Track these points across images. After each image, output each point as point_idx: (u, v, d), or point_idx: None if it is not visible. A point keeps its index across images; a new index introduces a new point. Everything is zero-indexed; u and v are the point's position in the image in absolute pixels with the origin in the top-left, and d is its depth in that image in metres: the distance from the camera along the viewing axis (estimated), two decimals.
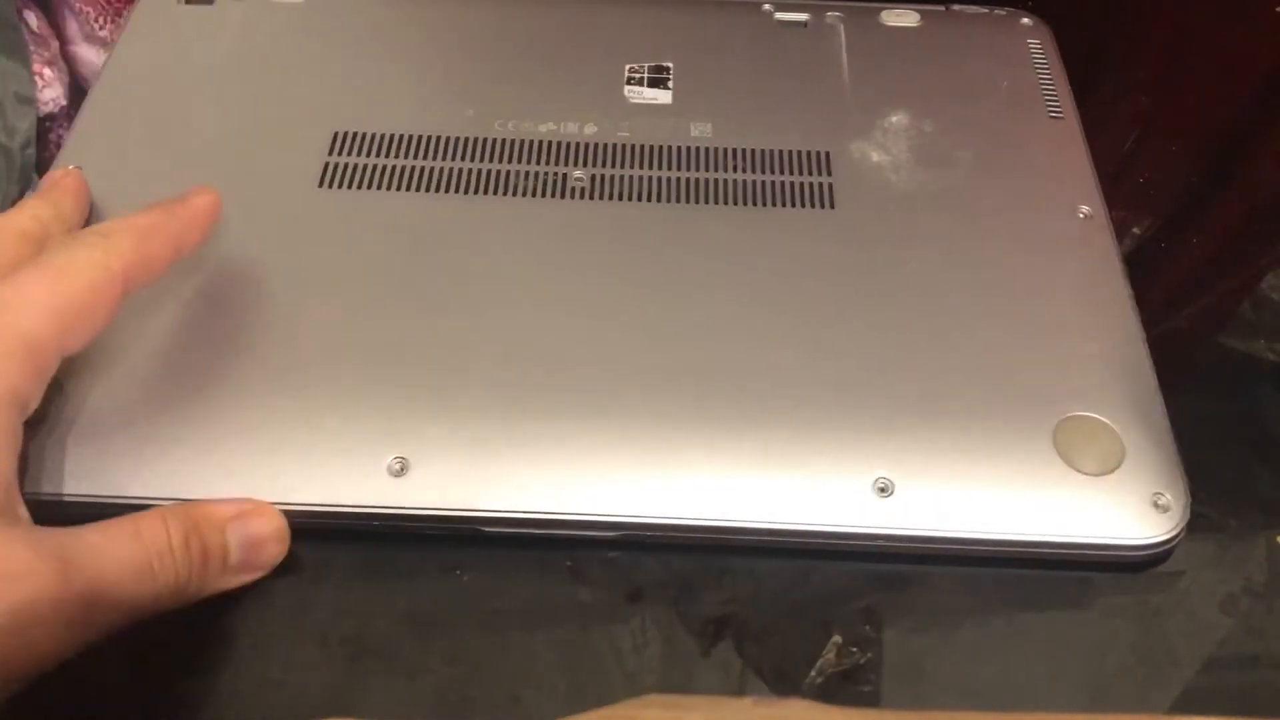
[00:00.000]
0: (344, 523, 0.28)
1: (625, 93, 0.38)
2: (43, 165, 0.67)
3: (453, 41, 0.40)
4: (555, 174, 0.35)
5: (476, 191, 0.35)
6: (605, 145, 0.36)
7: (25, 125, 0.61)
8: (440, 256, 0.33)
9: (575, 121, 0.37)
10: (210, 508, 0.27)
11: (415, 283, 0.32)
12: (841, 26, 0.41)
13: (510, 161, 0.36)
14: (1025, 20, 0.42)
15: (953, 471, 0.29)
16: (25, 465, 0.27)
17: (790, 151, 0.36)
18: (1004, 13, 0.42)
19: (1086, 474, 0.29)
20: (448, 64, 0.39)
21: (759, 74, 0.39)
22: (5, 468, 0.24)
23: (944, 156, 0.36)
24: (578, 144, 0.36)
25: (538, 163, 0.36)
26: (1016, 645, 0.28)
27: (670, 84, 0.39)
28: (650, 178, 0.35)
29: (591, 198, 0.35)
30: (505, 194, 0.35)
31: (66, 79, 0.66)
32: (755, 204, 0.35)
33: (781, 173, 0.36)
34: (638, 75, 0.39)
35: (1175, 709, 0.27)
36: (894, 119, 0.38)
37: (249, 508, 0.27)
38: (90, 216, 0.33)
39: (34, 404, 0.26)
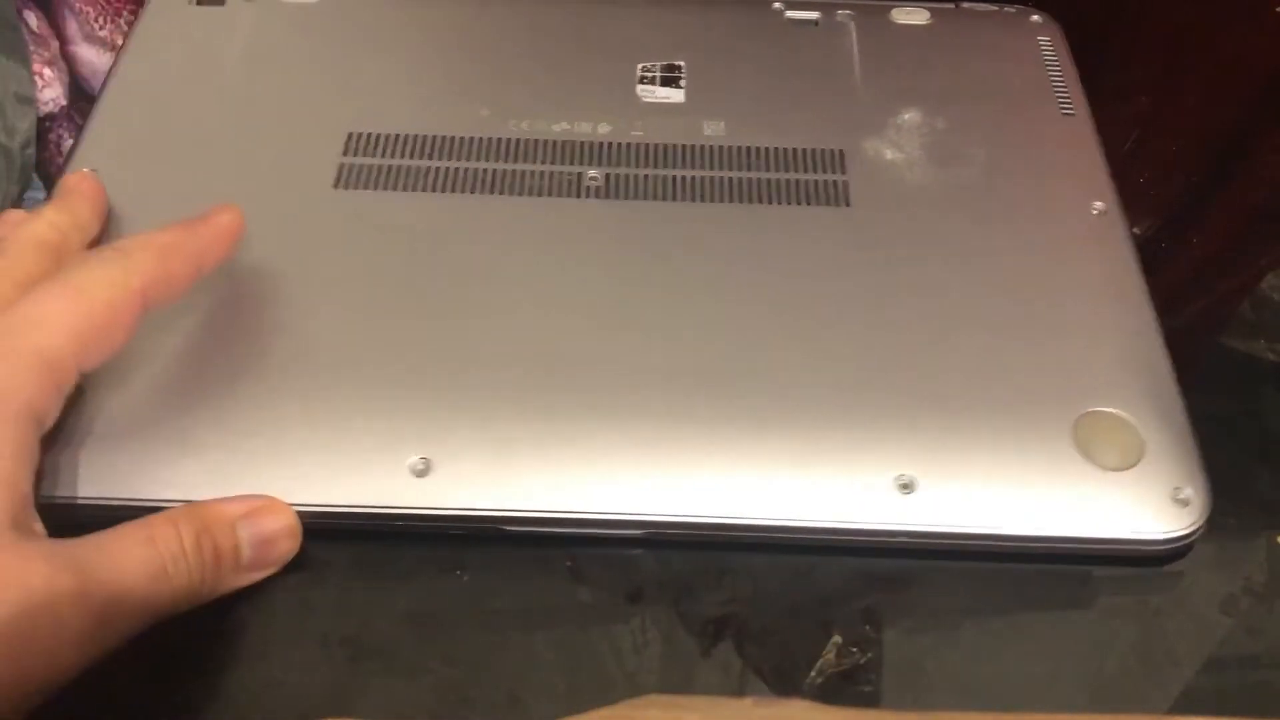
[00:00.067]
0: (367, 523, 0.28)
1: (638, 92, 0.38)
2: (42, 165, 0.67)
3: (465, 41, 0.40)
4: (570, 174, 0.35)
5: (493, 191, 0.35)
6: (619, 145, 0.36)
7: (25, 125, 0.61)
8: (458, 256, 0.33)
9: (589, 121, 0.37)
10: (220, 507, 0.27)
11: (433, 283, 0.32)
12: (852, 24, 0.41)
13: (525, 161, 0.36)
14: (1035, 17, 0.42)
15: (974, 468, 0.29)
16: (43, 471, 0.27)
17: (804, 150, 0.36)
18: (1013, 10, 0.42)
19: (1107, 469, 0.29)
20: (460, 64, 0.39)
21: (771, 72, 0.39)
22: (22, 483, 0.25)
23: (958, 154, 0.37)
24: (592, 143, 0.36)
25: (552, 162, 0.36)
26: (1016, 645, 0.28)
27: (683, 83, 0.39)
28: (665, 177, 0.35)
29: (607, 197, 0.35)
30: (521, 194, 0.35)
31: (66, 79, 0.66)
32: (771, 202, 0.35)
33: (796, 171, 0.36)
34: (650, 74, 0.39)
35: (1175, 709, 0.27)
36: (907, 116, 0.38)
37: (259, 505, 0.27)
38: (107, 220, 0.33)
39: (51, 420, 0.26)
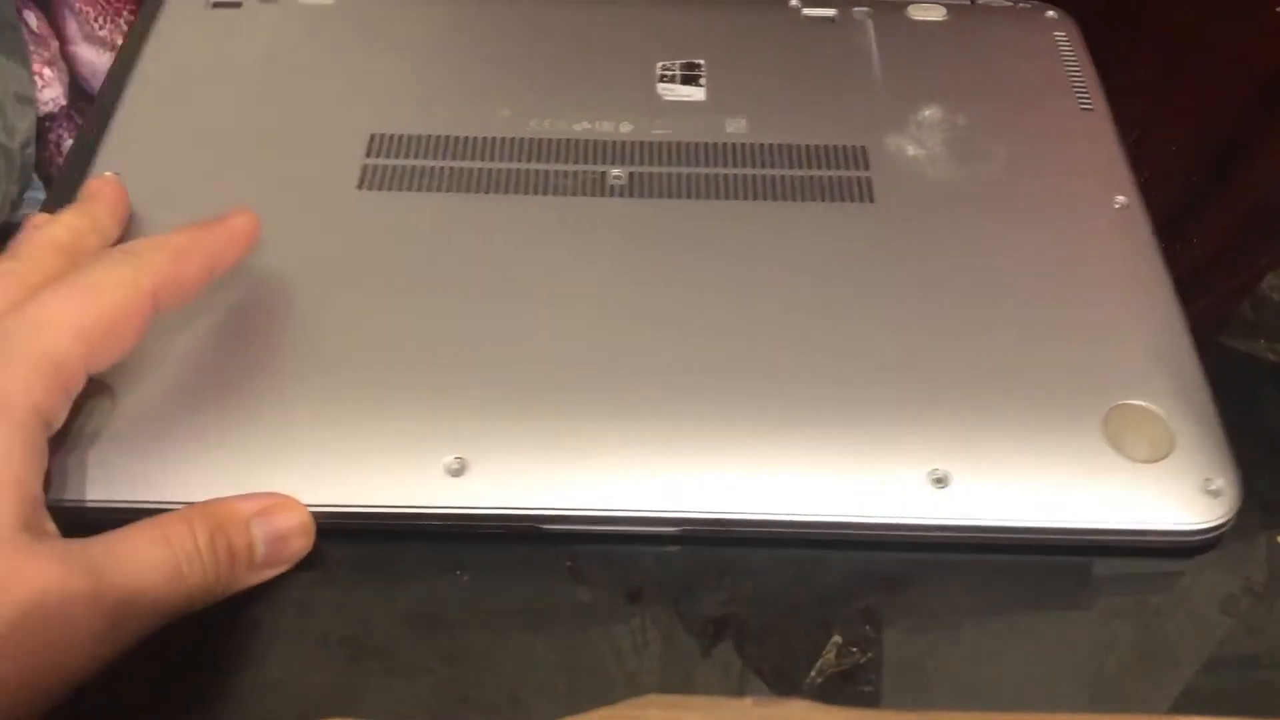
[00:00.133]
0: (403, 524, 0.28)
1: (658, 90, 0.38)
2: (42, 165, 0.67)
3: (481, 41, 0.40)
4: (593, 173, 0.35)
5: (518, 191, 0.35)
6: (641, 143, 0.36)
7: (25, 125, 0.61)
8: (485, 256, 0.33)
9: (610, 120, 0.37)
10: (234, 505, 0.27)
11: (461, 283, 0.32)
12: (869, 21, 0.41)
13: (549, 161, 0.36)
14: (1050, 13, 0.42)
15: (1007, 462, 0.29)
16: (84, 470, 0.28)
17: (827, 146, 0.37)
18: (1028, 5, 0.42)
19: (1138, 462, 0.29)
20: (478, 64, 0.39)
21: (790, 70, 0.39)
22: (32, 485, 0.24)
23: (980, 149, 0.37)
24: (614, 142, 0.36)
25: (576, 162, 0.36)
26: (1016, 645, 0.28)
27: (702, 81, 0.39)
28: (688, 175, 0.36)
29: (631, 196, 0.35)
30: (546, 193, 0.35)
31: (66, 79, 0.66)
32: (796, 199, 0.35)
33: (819, 168, 0.36)
34: (670, 73, 0.39)
35: (1175, 709, 0.27)
36: (927, 113, 0.38)
37: (272, 502, 0.27)
38: (129, 225, 0.33)
39: (59, 421, 0.26)
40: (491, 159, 0.36)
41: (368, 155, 0.36)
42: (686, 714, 0.21)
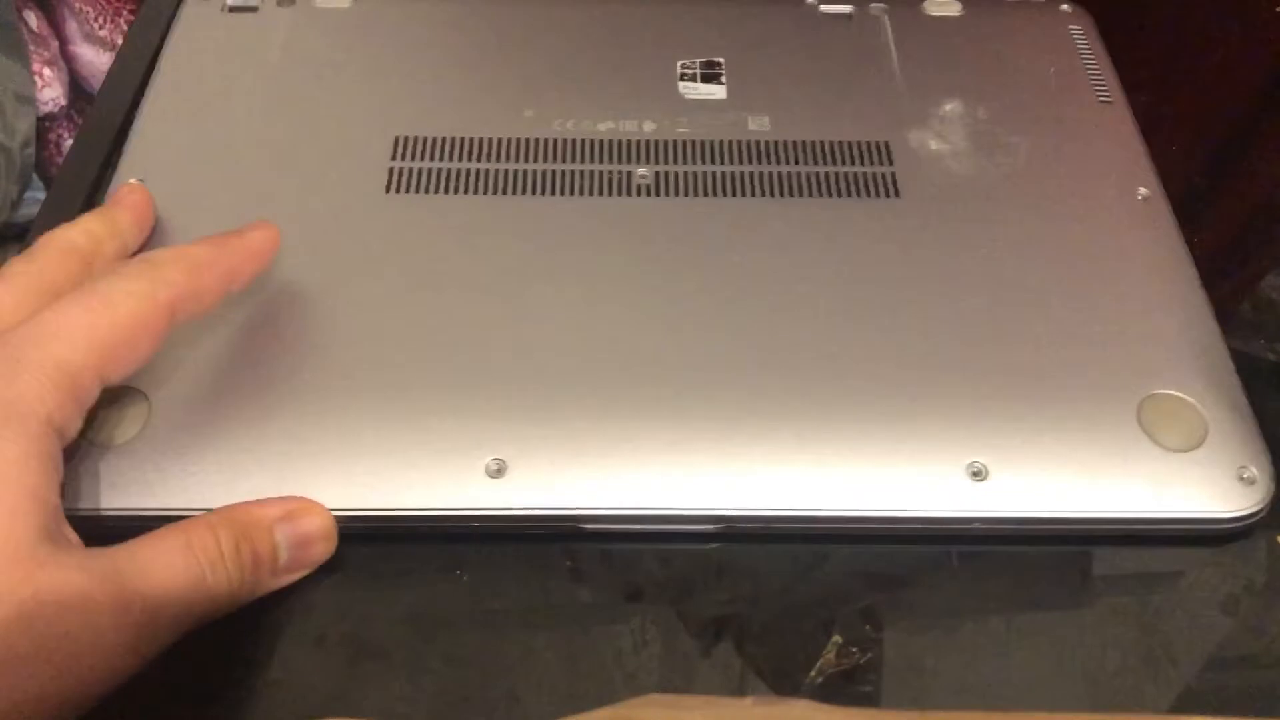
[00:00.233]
0: (444, 525, 0.28)
1: (680, 89, 0.39)
2: (42, 165, 0.67)
3: (499, 43, 0.40)
4: (619, 172, 0.36)
5: (545, 192, 0.35)
6: (665, 142, 0.37)
7: (25, 125, 0.61)
8: (517, 258, 0.33)
9: (634, 119, 0.37)
10: (258, 509, 0.27)
11: (493, 285, 0.32)
12: (886, 17, 0.41)
13: (574, 161, 0.36)
14: (1065, 7, 0.42)
15: (1043, 453, 0.29)
16: (120, 479, 0.28)
17: (850, 142, 0.37)
18: (1043, 0, 0.43)
19: (1172, 451, 0.29)
20: (497, 65, 0.39)
21: (809, 66, 0.40)
22: (50, 495, 0.24)
23: (1002, 143, 0.37)
24: (638, 141, 0.37)
25: (601, 161, 0.36)
26: (1016, 645, 0.28)
27: (723, 79, 0.39)
28: (714, 173, 0.36)
29: (657, 195, 0.35)
30: (572, 194, 0.35)
31: (66, 79, 0.66)
32: (822, 195, 0.35)
33: (844, 164, 0.36)
34: (690, 71, 0.39)
35: (1175, 709, 0.27)
36: (948, 107, 0.38)
37: (296, 506, 0.27)
38: (153, 232, 0.33)
39: (73, 431, 0.26)
40: (517, 160, 0.36)
41: (393, 158, 0.36)
42: (686, 714, 0.21)
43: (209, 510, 0.27)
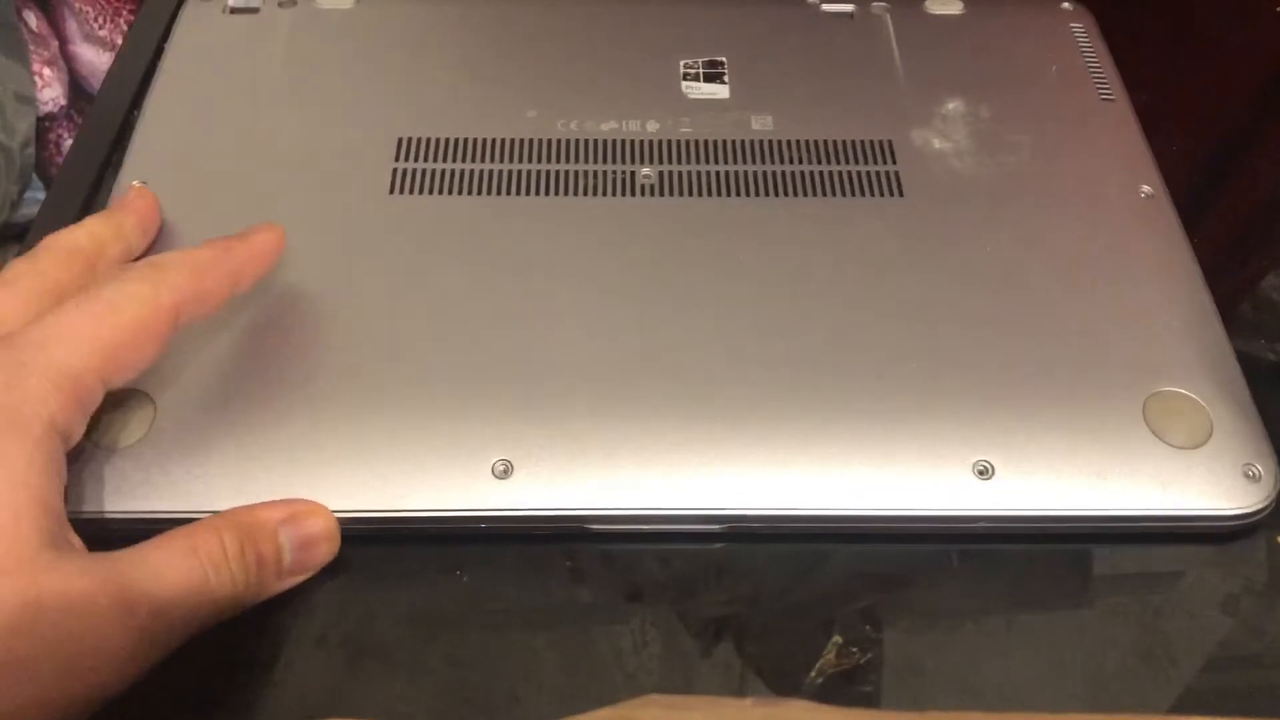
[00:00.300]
0: (450, 527, 0.28)
1: (683, 88, 0.39)
2: (42, 165, 0.67)
3: (501, 43, 0.40)
4: (623, 172, 0.36)
5: (549, 193, 0.35)
6: (669, 142, 0.37)
7: (25, 125, 0.61)
8: (521, 259, 0.33)
9: (637, 119, 0.37)
10: (262, 512, 0.27)
11: (498, 286, 0.32)
12: (888, 16, 0.41)
13: (578, 161, 0.36)
14: (1066, 5, 0.42)
15: (1049, 451, 0.29)
16: (123, 483, 0.28)
17: (854, 141, 0.37)
18: None
19: (1178, 448, 0.29)
20: (499, 66, 0.39)
21: (811, 65, 0.40)
22: (53, 500, 0.24)
23: (1005, 141, 0.37)
24: (641, 141, 0.37)
25: (605, 162, 0.36)
26: (1016, 645, 0.28)
27: (726, 78, 0.39)
28: (718, 172, 0.36)
29: (661, 195, 0.35)
30: (577, 194, 0.35)
31: (66, 79, 0.66)
32: (826, 194, 0.35)
33: (848, 163, 0.36)
34: (693, 71, 0.39)
35: (1175, 709, 0.27)
36: (951, 106, 0.38)
37: (300, 509, 0.27)
38: (159, 236, 0.33)
39: (76, 435, 0.26)
40: (521, 160, 0.36)
41: (397, 159, 0.36)
42: (686, 714, 0.21)
43: (215, 513, 0.27)
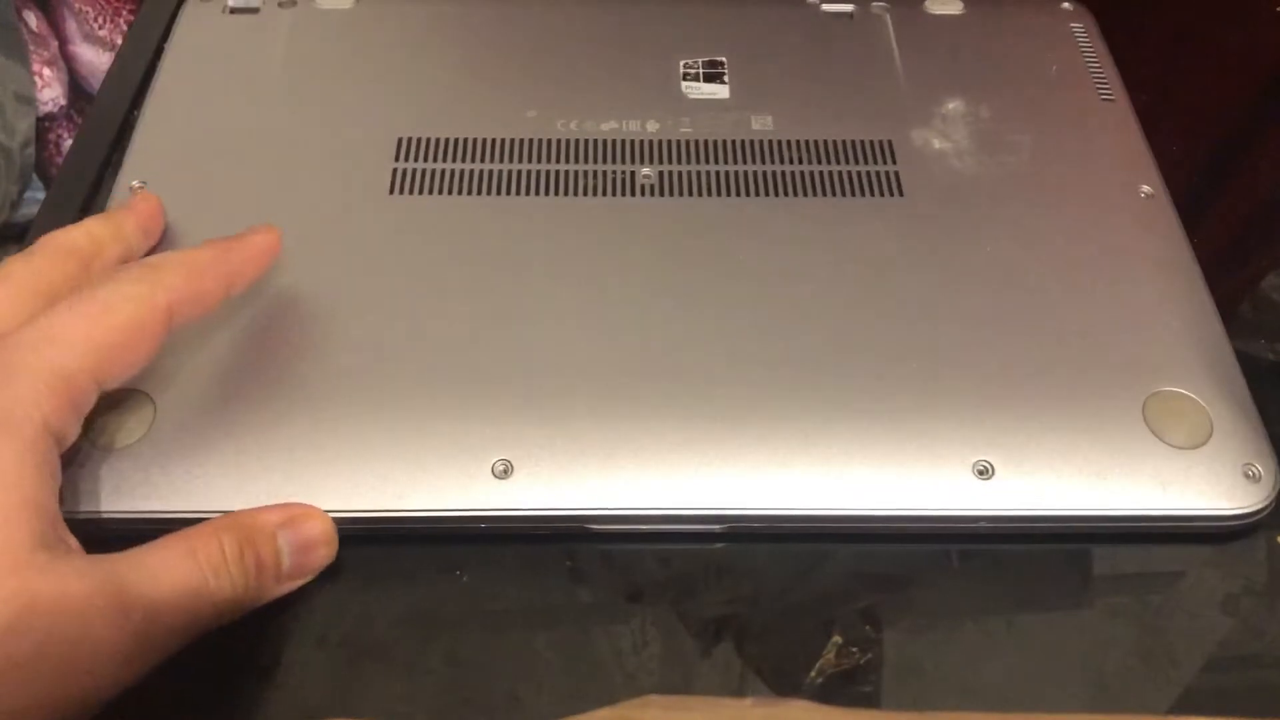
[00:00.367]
0: (450, 527, 0.28)
1: (683, 88, 0.39)
2: (42, 165, 0.67)
3: (501, 43, 0.40)
4: (622, 172, 0.36)
5: (549, 193, 0.35)
6: (669, 142, 0.37)
7: (25, 125, 0.61)
8: (521, 260, 0.33)
9: (637, 119, 0.37)
10: (261, 516, 0.27)
11: (499, 286, 0.32)
12: (888, 16, 0.41)
13: (578, 162, 0.36)
14: (1066, 5, 0.42)
15: (1049, 451, 0.29)
16: (123, 483, 0.28)
17: (854, 141, 0.37)
18: None
19: (1178, 447, 0.29)
20: (499, 66, 0.39)
21: (811, 65, 0.40)
22: (48, 502, 0.24)
23: (1005, 141, 0.37)
24: (641, 141, 0.37)
25: (605, 162, 0.36)
26: (1016, 645, 0.28)
27: (726, 78, 0.39)
28: (718, 172, 0.36)
29: (662, 195, 0.35)
30: (577, 194, 0.35)
31: (66, 79, 0.66)
32: (826, 194, 0.35)
33: (848, 163, 0.36)
34: (693, 71, 0.39)
35: (1175, 709, 0.27)
36: (951, 106, 0.38)
37: (298, 512, 0.27)
38: (161, 239, 0.33)
39: (71, 437, 0.26)
40: (521, 160, 0.36)
41: (397, 159, 0.36)
42: (686, 714, 0.21)
43: (215, 513, 0.27)
